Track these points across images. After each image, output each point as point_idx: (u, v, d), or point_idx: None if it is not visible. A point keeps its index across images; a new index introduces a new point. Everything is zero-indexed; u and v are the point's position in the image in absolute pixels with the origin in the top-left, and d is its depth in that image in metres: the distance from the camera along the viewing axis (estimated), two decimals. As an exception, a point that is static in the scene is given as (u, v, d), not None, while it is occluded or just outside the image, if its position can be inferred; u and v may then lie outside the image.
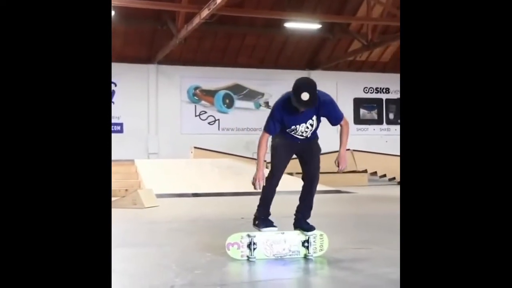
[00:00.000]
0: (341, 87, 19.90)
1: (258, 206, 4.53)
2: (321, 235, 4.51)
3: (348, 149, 17.05)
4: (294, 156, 4.54)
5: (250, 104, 19.01)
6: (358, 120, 20.20)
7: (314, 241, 4.46)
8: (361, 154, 17.28)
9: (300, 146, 4.41)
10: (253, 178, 4.29)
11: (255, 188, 4.30)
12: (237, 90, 19.02)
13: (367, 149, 17.64)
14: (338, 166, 4.35)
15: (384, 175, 17.51)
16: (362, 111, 20.30)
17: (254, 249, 4.32)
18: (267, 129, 4.30)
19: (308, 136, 4.38)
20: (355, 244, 5.09)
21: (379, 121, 20.42)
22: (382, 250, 4.82)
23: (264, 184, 4.33)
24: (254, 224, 4.52)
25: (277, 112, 4.26)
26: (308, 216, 4.51)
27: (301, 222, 4.48)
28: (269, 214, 4.54)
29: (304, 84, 4.10)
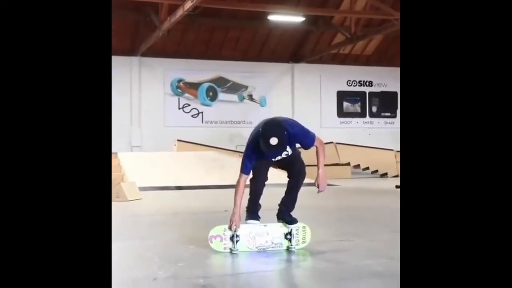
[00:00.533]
0: (325, 80, 19.97)
1: (248, 199, 4.57)
2: (303, 227, 4.54)
3: (331, 142, 17.33)
4: None
5: (233, 97, 18.98)
6: (341, 113, 20.29)
7: (296, 234, 4.49)
8: (344, 147, 17.36)
9: (279, 160, 4.43)
10: (230, 221, 4.33)
11: (230, 230, 4.31)
12: (221, 83, 18.98)
13: (350, 142, 17.73)
14: (318, 187, 4.33)
15: (367, 168, 17.63)
16: (345, 104, 20.38)
17: (236, 241, 4.34)
18: (244, 170, 4.29)
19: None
20: (338, 237, 5.13)
21: (362, 114, 20.53)
22: (364, 242, 4.86)
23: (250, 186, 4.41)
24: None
25: (252, 154, 4.25)
26: (292, 208, 4.55)
27: (285, 214, 4.51)
28: (258, 208, 4.58)
29: (271, 129, 4.10)
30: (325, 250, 4.49)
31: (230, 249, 4.34)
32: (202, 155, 14.17)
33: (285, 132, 4.11)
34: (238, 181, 4.31)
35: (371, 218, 6.75)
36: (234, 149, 16.44)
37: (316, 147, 4.35)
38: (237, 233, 4.33)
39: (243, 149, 4.64)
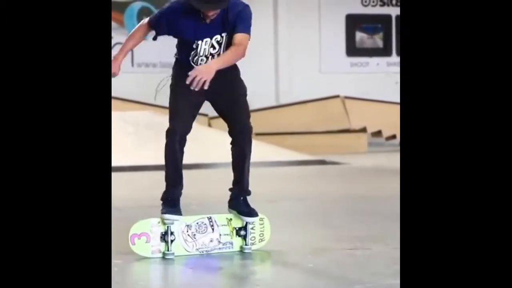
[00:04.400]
0: (327, -3, 19.90)
1: (165, 180, 4.84)
2: (261, 219, 4.86)
3: (337, 96, 17.37)
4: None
5: (182, 25, 18.87)
6: (353, 49, 20.20)
7: (252, 228, 4.82)
8: (357, 104, 17.39)
9: (210, 85, 4.61)
10: None
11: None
12: (161, 2, 18.81)
13: (367, 95, 17.77)
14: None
15: (393, 136, 17.70)
16: (359, 34, 20.33)
17: (171, 241, 4.63)
18: (153, 19, 4.88)
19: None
20: (345, 242, 5.23)
21: (385, 51, 20.50)
22: (386, 251, 4.94)
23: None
24: None
25: (171, 12, 4.78)
26: (247, 187, 4.84)
27: (239, 202, 4.82)
28: (179, 193, 4.82)
29: None
30: (324, 263, 4.58)
31: (162, 252, 4.63)
32: (134, 117, 14.10)
33: None
34: (136, 28, 4.94)
35: (395, 213, 6.82)
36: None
37: (234, 44, 4.67)
38: (172, 229, 4.63)
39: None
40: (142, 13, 18.64)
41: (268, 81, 18.44)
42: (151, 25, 4.88)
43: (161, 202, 4.76)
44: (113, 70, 4.89)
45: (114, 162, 13.09)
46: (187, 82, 4.48)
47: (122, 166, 11.85)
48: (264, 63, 18.10)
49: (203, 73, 4.48)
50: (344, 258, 4.73)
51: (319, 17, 19.82)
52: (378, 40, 20.52)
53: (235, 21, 4.66)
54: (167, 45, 20.32)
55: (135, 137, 13.17)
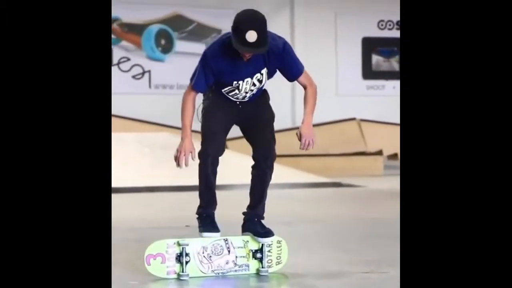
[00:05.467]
0: (343, 21, 19.92)
1: (199, 198, 4.83)
2: (279, 242, 4.83)
3: (353, 119, 17.37)
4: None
5: (199, 47, 18.89)
6: (369, 72, 20.27)
7: (269, 251, 4.78)
8: (374, 126, 17.42)
9: (241, 110, 4.76)
10: (176, 150, 4.59)
11: (178, 165, 4.58)
12: (179, 25, 18.90)
13: (383, 118, 17.77)
14: (299, 139, 4.62)
15: (409, 159, 17.72)
16: (375, 58, 20.38)
17: (186, 262, 4.61)
18: (195, 84, 4.60)
19: (251, 96, 4.72)
20: (360, 265, 5.19)
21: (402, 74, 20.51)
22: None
23: (196, 160, 4.63)
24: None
25: (212, 60, 4.56)
26: (262, 213, 4.83)
27: (254, 223, 4.78)
28: (213, 210, 4.84)
29: (249, 20, 4.40)
30: (340, 286, 4.55)
31: (177, 273, 4.62)
32: (150, 139, 14.13)
33: (267, 33, 4.41)
34: (185, 99, 4.65)
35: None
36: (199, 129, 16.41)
37: (305, 86, 4.70)
38: (187, 250, 4.61)
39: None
40: (160, 35, 18.72)
41: (284, 103, 18.46)
42: (196, 89, 4.67)
43: (196, 216, 4.79)
44: (188, 149, 4.59)
45: (130, 183, 13.18)
46: (301, 148, 4.58)
47: (138, 187, 11.86)
48: (281, 85, 18.08)
49: (308, 136, 4.58)
50: (360, 281, 4.70)
51: (335, 40, 19.87)
52: (394, 63, 20.54)
53: (282, 61, 4.63)
54: (184, 67, 20.37)
55: (151, 158, 13.19)
